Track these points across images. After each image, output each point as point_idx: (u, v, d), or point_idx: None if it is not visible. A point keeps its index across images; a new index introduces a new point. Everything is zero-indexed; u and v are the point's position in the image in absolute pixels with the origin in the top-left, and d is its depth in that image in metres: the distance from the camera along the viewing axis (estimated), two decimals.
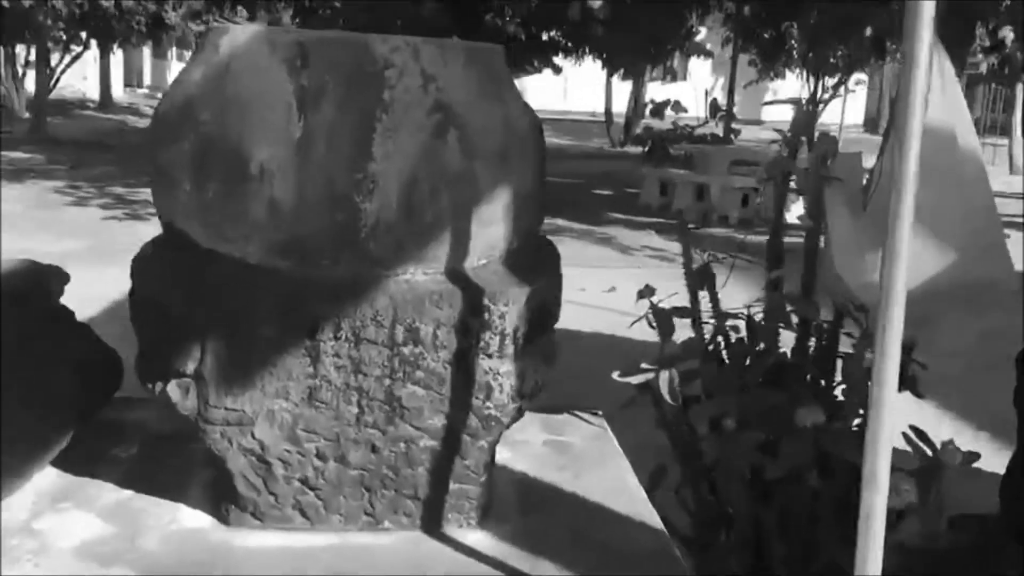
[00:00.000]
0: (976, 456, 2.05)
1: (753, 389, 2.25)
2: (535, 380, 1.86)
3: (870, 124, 28.00)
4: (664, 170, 12.33)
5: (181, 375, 1.75)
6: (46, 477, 2.03)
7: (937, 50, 2.13)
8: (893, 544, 1.58)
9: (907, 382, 2.19)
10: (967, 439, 2.40)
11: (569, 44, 15.67)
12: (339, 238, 1.72)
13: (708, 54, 19.76)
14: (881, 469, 1.43)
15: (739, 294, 2.55)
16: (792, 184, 2.51)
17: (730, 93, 14.98)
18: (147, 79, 31.69)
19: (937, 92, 2.12)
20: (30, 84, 18.12)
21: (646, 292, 2.37)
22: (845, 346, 2.33)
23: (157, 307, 1.78)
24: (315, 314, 1.71)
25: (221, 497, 1.90)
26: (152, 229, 1.93)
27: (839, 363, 2.33)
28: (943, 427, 2.56)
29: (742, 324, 2.39)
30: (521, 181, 1.87)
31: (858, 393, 2.14)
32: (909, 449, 2.07)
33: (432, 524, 1.91)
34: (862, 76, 20.06)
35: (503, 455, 2.15)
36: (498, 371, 1.79)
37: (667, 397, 2.21)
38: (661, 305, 2.36)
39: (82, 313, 2.38)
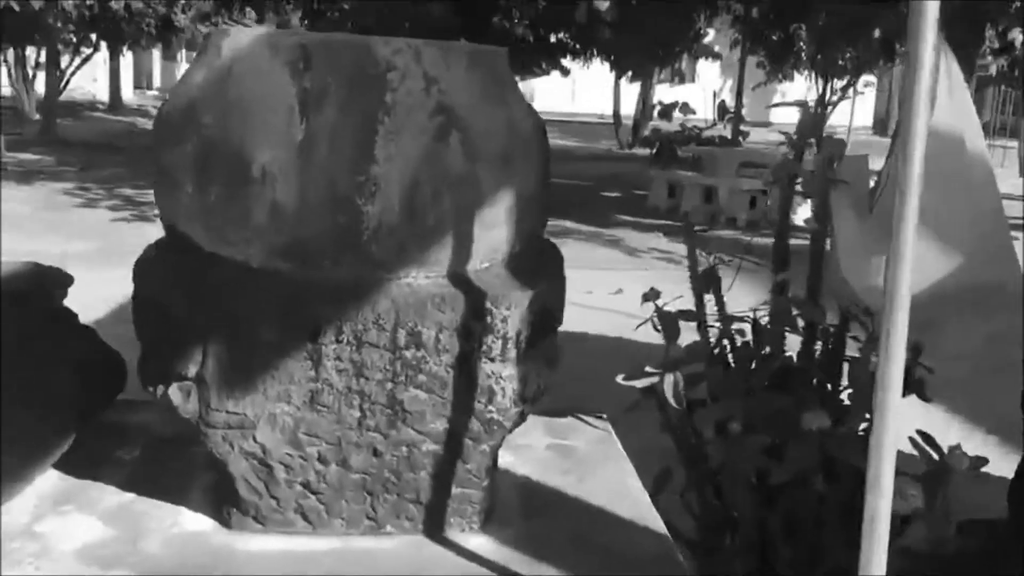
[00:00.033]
0: (984, 460, 2.04)
1: (759, 393, 2.24)
2: (537, 384, 1.85)
3: (879, 126, 27.93)
4: (672, 172, 12.35)
5: (183, 378, 1.75)
6: (48, 480, 2.03)
7: (945, 53, 2.12)
8: (900, 549, 1.57)
9: (914, 386, 2.18)
10: (976, 443, 2.39)
11: (577, 46, 15.66)
12: (341, 241, 1.71)
13: (716, 56, 19.71)
14: (885, 473, 1.41)
15: (745, 297, 2.54)
16: (798, 187, 2.50)
17: (738, 95, 14.93)
18: (157, 81, 31.82)
19: (944, 95, 2.11)
20: (40, 86, 18.16)
21: (651, 295, 2.35)
22: (851, 350, 2.31)
23: (159, 310, 1.78)
24: (317, 317, 1.71)
25: (223, 500, 1.89)
26: (160, 231, 1.93)
27: (845, 367, 2.32)
28: (951, 431, 2.55)
29: (748, 327, 2.38)
30: (524, 184, 1.86)
31: (864, 397, 2.12)
32: (916, 454, 2.05)
33: (434, 528, 1.90)
34: (870, 78, 19.99)
35: (506, 459, 2.14)
36: (500, 375, 1.78)
37: (672, 400, 2.21)
38: (667, 308, 2.35)
39: (89, 315, 2.38)
